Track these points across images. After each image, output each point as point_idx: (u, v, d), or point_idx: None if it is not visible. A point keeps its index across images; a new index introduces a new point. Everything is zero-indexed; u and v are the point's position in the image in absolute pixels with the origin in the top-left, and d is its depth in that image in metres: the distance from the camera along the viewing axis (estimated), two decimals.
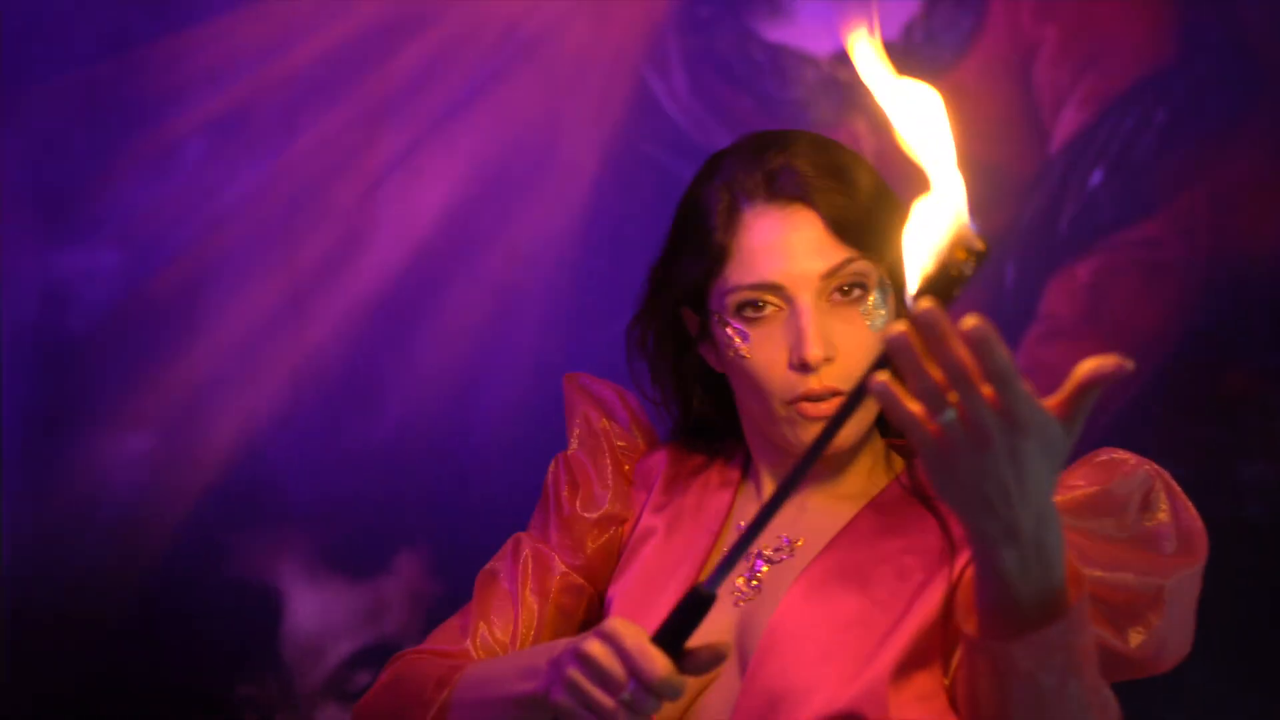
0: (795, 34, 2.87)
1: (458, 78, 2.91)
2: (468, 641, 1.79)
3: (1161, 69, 2.78)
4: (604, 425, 1.89)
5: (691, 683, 1.67)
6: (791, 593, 1.67)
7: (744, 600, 1.71)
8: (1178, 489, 1.60)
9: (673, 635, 1.37)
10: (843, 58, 2.83)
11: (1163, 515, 1.58)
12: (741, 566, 1.73)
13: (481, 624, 1.80)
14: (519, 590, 1.81)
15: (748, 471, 1.83)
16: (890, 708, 1.57)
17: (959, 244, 1.24)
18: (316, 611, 2.82)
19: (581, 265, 2.86)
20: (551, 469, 1.89)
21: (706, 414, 1.85)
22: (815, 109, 2.83)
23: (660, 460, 1.87)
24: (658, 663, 1.37)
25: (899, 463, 1.79)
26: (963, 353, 1.21)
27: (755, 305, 1.71)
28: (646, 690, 1.38)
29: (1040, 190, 2.80)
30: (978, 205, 1.25)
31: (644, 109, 2.88)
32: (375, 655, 2.79)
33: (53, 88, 2.94)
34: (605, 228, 2.85)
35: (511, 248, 2.89)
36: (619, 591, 1.78)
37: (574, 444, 1.89)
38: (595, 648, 1.41)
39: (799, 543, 1.72)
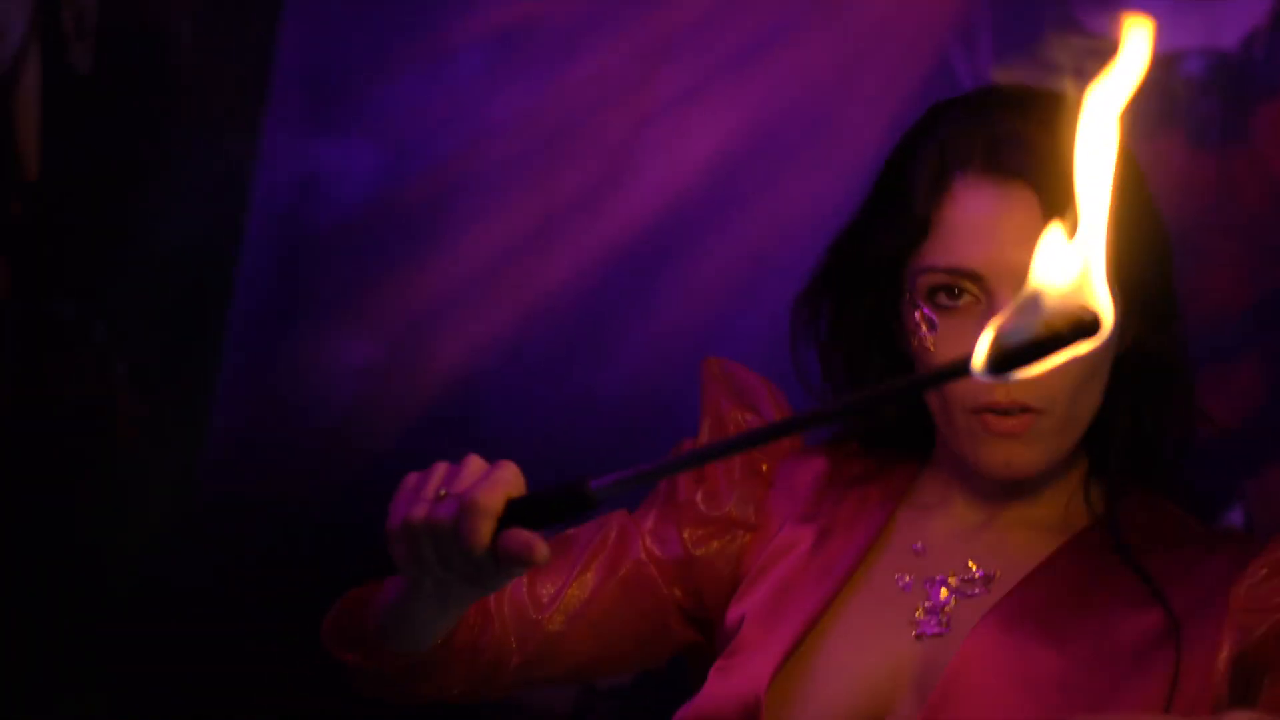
0: (1120, 28, 2.60)
1: (749, 26, 2.74)
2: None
3: None
4: (738, 419, 1.65)
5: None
6: (978, 634, 1.45)
7: (927, 637, 1.49)
8: None
9: (529, 504, 1.19)
10: (1165, 63, 2.56)
11: None
12: (919, 594, 1.52)
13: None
14: (584, 559, 1.60)
15: (918, 484, 1.62)
16: None
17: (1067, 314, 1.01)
18: None
19: None
20: (674, 450, 1.66)
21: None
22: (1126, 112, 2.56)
23: (816, 466, 1.64)
24: (491, 495, 1.20)
25: (1097, 499, 1.54)
26: None
27: (950, 292, 1.49)
28: (460, 511, 1.20)
29: None
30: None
31: (942, 85, 2.65)
32: None
33: None
34: None
35: (774, 213, 2.70)
36: (752, 603, 1.56)
37: (704, 436, 1.66)
38: (445, 466, 1.27)
39: (996, 575, 1.50)
